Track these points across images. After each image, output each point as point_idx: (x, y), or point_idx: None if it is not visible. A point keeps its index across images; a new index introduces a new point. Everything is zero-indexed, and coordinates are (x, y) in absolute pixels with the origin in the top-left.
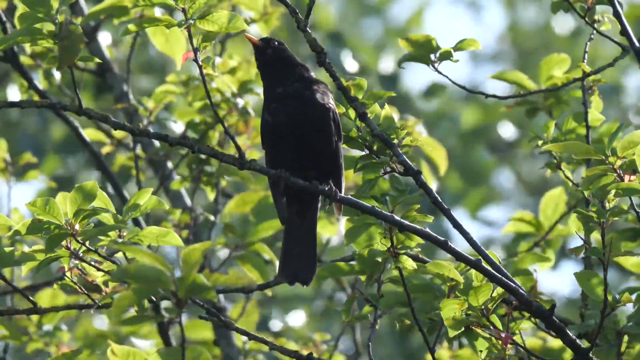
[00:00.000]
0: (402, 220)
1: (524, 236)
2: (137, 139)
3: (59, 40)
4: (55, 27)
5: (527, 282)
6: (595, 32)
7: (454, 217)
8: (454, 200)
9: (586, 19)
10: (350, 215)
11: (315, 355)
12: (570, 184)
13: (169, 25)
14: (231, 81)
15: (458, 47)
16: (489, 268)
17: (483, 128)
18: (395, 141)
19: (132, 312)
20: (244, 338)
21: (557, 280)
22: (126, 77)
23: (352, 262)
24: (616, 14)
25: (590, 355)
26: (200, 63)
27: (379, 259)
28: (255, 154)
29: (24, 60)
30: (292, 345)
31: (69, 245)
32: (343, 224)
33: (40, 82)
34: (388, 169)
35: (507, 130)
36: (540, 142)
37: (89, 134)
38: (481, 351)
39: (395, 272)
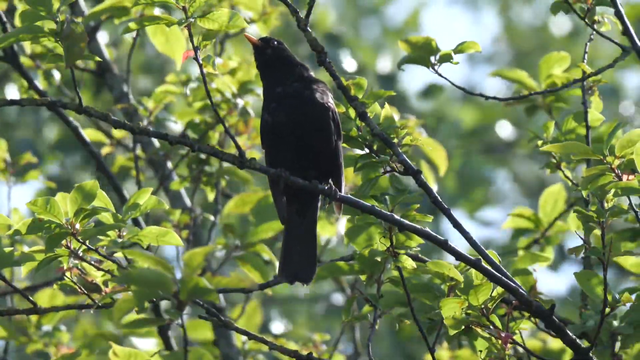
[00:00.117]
0: (402, 219)
1: (523, 232)
2: (137, 139)
3: (61, 39)
4: (56, 25)
5: (526, 282)
6: (594, 32)
7: (454, 217)
8: (451, 201)
9: (586, 20)
10: (350, 215)
11: (315, 355)
12: (570, 183)
13: (169, 23)
14: (231, 81)
15: (458, 50)
16: (489, 268)
17: (480, 129)
18: (395, 140)
19: (132, 312)
20: (244, 338)
21: (555, 280)
22: (126, 77)
23: (352, 262)
24: (618, 14)
25: (590, 355)
26: (201, 62)
27: (379, 259)
28: (256, 155)
29: (24, 61)
30: (292, 346)
31: (69, 244)
32: (342, 224)
33: (39, 83)
34: (388, 169)
35: (504, 130)
36: (540, 142)
37: (89, 134)
38: (481, 351)
39: (395, 272)
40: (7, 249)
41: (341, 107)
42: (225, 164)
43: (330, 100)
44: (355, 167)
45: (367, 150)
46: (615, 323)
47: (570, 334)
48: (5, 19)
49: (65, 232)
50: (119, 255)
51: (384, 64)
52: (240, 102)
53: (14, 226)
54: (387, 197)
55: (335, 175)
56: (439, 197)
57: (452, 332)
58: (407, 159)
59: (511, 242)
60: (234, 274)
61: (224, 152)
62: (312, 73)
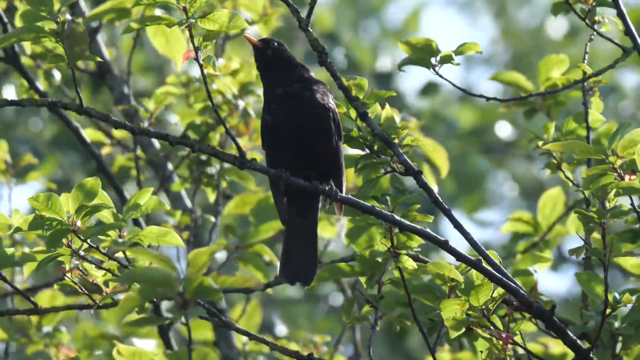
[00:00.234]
0: (402, 220)
1: (522, 236)
2: (137, 140)
3: (62, 39)
4: (57, 25)
5: (527, 283)
6: (595, 33)
7: (454, 218)
8: (449, 202)
9: (586, 20)
10: (351, 216)
11: (315, 356)
12: (571, 184)
13: (170, 24)
14: (232, 83)
15: (459, 51)
16: (490, 268)
17: (478, 129)
18: (396, 141)
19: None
20: (244, 339)
21: (554, 281)
22: (126, 78)
23: (353, 263)
24: (620, 15)
25: (591, 356)
26: (202, 62)
27: (380, 260)
28: (257, 157)
29: (24, 60)
30: (292, 347)
31: (70, 243)
32: (341, 226)
33: (40, 82)
34: (389, 169)
35: (503, 131)
36: (540, 143)
37: (89, 134)
38: (481, 352)
39: (396, 273)
40: (9, 250)
41: (342, 107)
42: (226, 165)
43: (330, 101)
44: (356, 168)
45: (367, 151)
46: (616, 324)
47: (571, 335)
48: (5, 20)
49: (66, 229)
50: (120, 255)
51: (382, 63)
52: (241, 103)
53: (14, 225)
54: (387, 197)
55: (336, 176)
56: (439, 198)
57: (452, 333)
58: (407, 159)
59: (510, 246)
60: (240, 273)
61: (224, 153)
62: (312, 74)
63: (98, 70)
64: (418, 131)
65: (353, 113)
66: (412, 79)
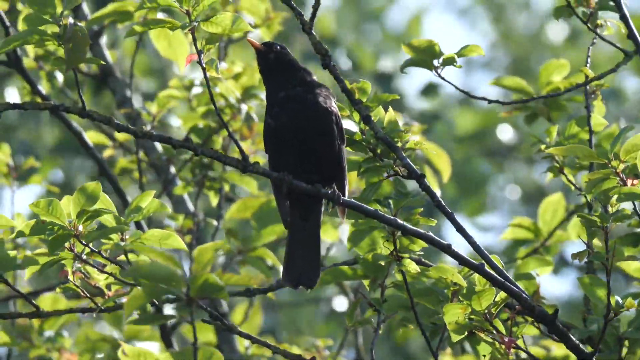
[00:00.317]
0: (405, 224)
1: (522, 242)
2: (140, 144)
3: (64, 42)
4: (59, 29)
5: (529, 287)
6: (597, 37)
7: (457, 221)
8: (450, 206)
9: (588, 24)
10: (353, 219)
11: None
12: (573, 188)
13: (174, 27)
14: (235, 86)
15: (461, 53)
16: (492, 272)
17: (479, 133)
18: (399, 144)
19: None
20: (247, 343)
21: (555, 285)
22: (129, 82)
23: (355, 266)
24: (623, 18)
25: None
26: (204, 65)
27: (383, 263)
28: (260, 160)
29: (27, 62)
30: (295, 350)
31: (72, 247)
32: (342, 230)
33: (42, 85)
34: (392, 172)
35: (504, 135)
36: (543, 147)
37: (91, 136)
38: (484, 356)
39: (399, 276)
40: (11, 252)
41: (345, 110)
42: (228, 169)
43: (333, 104)
44: (358, 171)
45: (370, 154)
46: (622, 328)
47: (574, 339)
48: (8, 23)
49: (68, 233)
50: (121, 258)
51: (384, 64)
52: (243, 107)
53: (17, 228)
54: (390, 201)
55: (339, 180)
56: (442, 201)
57: (455, 337)
58: (411, 163)
59: (510, 252)
60: (244, 271)
61: (227, 156)
62: (315, 77)
63: (100, 73)
64: (420, 134)
65: (356, 116)
66: (413, 80)
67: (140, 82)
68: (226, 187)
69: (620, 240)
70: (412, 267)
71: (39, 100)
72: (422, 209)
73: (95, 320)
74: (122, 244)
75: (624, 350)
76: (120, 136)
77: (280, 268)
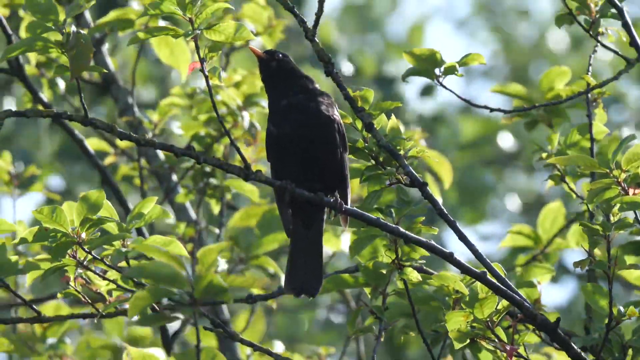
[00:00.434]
0: (407, 232)
1: (522, 250)
2: (142, 151)
3: (67, 50)
4: (62, 36)
5: (530, 295)
6: (599, 44)
7: (459, 229)
8: (450, 214)
9: (590, 32)
10: (355, 228)
11: None
12: (574, 196)
13: (176, 35)
14: (236, 94)
15: (463, 62)
16: (494, 280)
17: (479, 142)
18: (402, 152)
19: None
20: (248, 351)
21: (554, 293)
22: (131, 89)
23: (357, 274)
24: (625, 26)
25: None
26: (207, 73)
27: (384, 271)
28: (262, 169)
29: (28, 69)
30: (297, 358)
31: (75, 254)
32: (345, 239)
33: (44, 92)
34: (394, 180)
35: (505, 143)
36: (544, 155)
37: (93, 143)
38: None
39: (400, 284)
40: (13, 257)
41: (347, 117)
42: (230, 177)
43: (335, 113)
44: (361, 179)
45: (373, 162)
46: (626, 337)
47: (576, 348)
48: (10, 32)
49: (71, 241)
50: (123, 265)
51: (385, 69)
52: (245, 114)
53: (19, 234)
54: (392, 209)
55: (341, 188)
56: (444, 209)
57: (456, 345)
58: (413, 170)
59: (509, 260)
60: (249, 273)
61: (229, 164)
62: (317, 85)
63: (102, 81)
64: (421, 142)
65: (359, 124)
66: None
67: (141, 90)
68: (228, 195)
69: (622, 249)
70: (414, 276)
71: (40, 107)
72: (424, 217)
73: (96, 327)
74: (124, 249)
75: (628, 359)
76: (122, 143)
77: (283, 276)
